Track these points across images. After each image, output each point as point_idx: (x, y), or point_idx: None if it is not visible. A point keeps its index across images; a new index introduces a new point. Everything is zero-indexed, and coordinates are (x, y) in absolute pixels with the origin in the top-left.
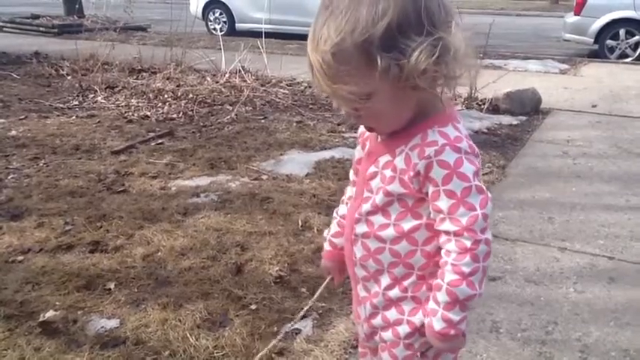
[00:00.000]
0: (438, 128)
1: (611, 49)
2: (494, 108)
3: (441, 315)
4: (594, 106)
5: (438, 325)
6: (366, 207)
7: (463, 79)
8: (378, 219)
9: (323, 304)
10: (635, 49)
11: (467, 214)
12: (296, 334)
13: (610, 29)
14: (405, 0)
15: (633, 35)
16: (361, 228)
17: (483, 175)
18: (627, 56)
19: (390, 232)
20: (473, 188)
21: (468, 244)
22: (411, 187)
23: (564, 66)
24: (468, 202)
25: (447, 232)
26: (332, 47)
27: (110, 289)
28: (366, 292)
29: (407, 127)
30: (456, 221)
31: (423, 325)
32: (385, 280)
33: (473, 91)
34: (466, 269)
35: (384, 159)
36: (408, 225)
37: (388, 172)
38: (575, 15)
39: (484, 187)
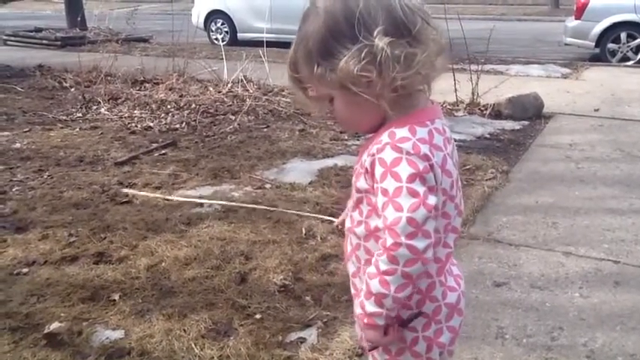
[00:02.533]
0: (393, 129)
1: (613, 53)
2: (497, 113)
3: (360, 301)
4: (596, 110)
5: (357, 309)
6: (350, 203)
7: (416, 84)
8: (356, 215)
9: (327, 313)
10: (636, 52)
11: (392, 214)
12: (301, 342)
13: (611, 33)
14: (336, 13)
15: (634, 38)
16: (347, 223)
17: (487, 180)
18: (629, 59)
19: (361, 229)
20: (404, 189)
21: (388, 243)
22: (369, 183)
23: (566, 70)
24: (397, 202)
25: (381, 229)
26: (289, 59)
27: (115, 300)
28: (354, 288)
29: (378, 128)
30: (384, 219)
31: None
32: (363, 277)
33: (475, 97)
34: (382, 266)
35: (362, 157)
36: (373, 223)
37: (357, 169)
38: (575, 19)
39: (421, 193)
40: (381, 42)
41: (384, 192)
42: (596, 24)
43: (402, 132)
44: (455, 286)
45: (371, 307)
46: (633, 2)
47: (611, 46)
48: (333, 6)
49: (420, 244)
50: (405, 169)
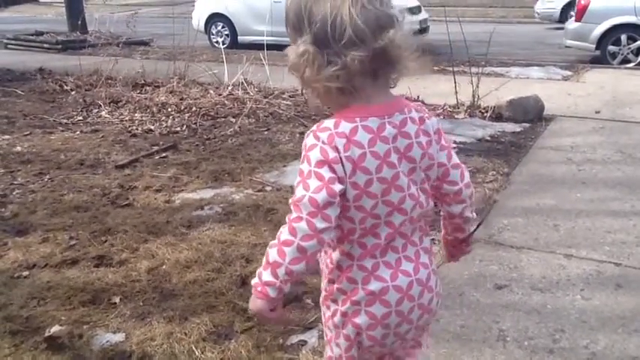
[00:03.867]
0: (325, 119)
1: (613, 55)
2: (498, 116)
3: (258, 272)
4: (597, 112)
5: (254, 280)
6: None
7: (333, 89)
8: None
9: None
10: (637, 55)
11: (300, 192)
12: (302, 345)
13: (611, 35)
14: (289, 12)
15: (635, 40)
16: None
17: (487, 182)
18: (629, 61)
19: None
20: (312, 172)
21: (291, 216)
22: None
23: (566, 72)
24: (306, 182)
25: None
26: None
27: (115, 303)
28: None
29: None
30: (294, 195)
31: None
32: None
33: (475, 99)
34: (282, 237)
35: None
36: None
37: None
38: (576, 21)
39: (326, 178)
40: (303, 47)
41: (300, 172)
42: (596, 26)
43: (327, 123)
44: (385, 277)
45: (267, 277)
46: (633, 4)
47: (611, 48)
48: (288, 5)
49: (319, 224)
50: (315, 155)
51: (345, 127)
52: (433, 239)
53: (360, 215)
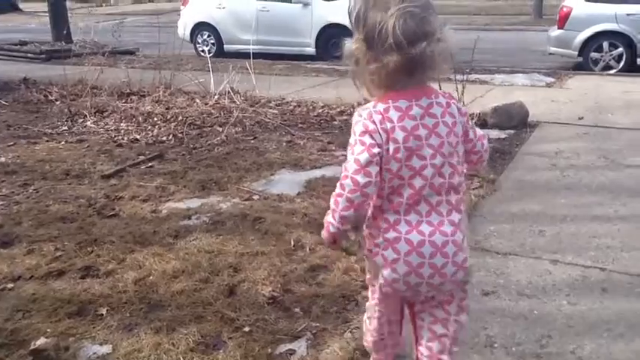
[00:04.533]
0: (368, 102)
1: (596, 62)
2: (483, 122)
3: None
4: (581, 118)
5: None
6: None
7: (376, 81)
8: None
9: (317, 324)
10: (618, 61)
11: (349, 157)
12: (290, 354)
13: (594, 42)
14: (353, 12)
15: (616, 47)
16: None
17: (473, 189)
18: (611, 68)
19: None
20: (357, 141)
21: (342, 175)
22: None
23: (550, 79)
24: (352, 149)
25: None
26: None
27: (102, 314)
28: None
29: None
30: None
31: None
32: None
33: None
34: (336, 190)
35: None
36: None
37: None
38: (558, 29)
39: (367, 144)
40: (357, 43)
41: (349, 144)
42: (578, 33)
43: (368, 104)
44: (401, 230)
45: (329, 218)
46: (614, 12)
47: (593, 55)
48: (351, 4)
49: (361, 179)
50: (359, 128)
51: (380, 107)
52: None
53: (388, 176)
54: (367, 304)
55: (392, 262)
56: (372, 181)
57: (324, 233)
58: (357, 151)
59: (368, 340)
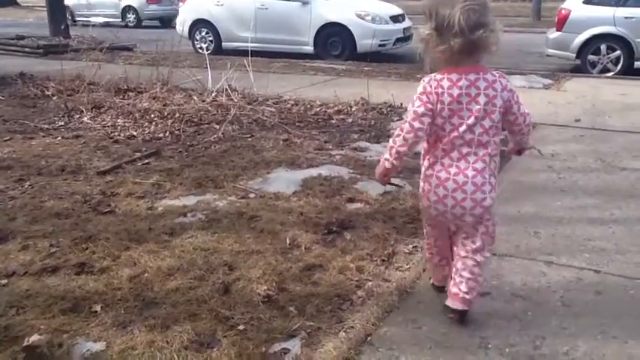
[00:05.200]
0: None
1: (593, 64)
2: None
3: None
4: (577, 121)
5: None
6: None
7: (441, 58)
8: None
9: (311, 323)
10: (616, 64)
11: (409, 109)
12: (285, 353)
13: (591, 44)
14: (426, 7)
15: (614, 50)
16: None
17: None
18: (609, 71)
19: None
20: (417, 98)
21: (390, 141)
22: None
23: (548, 81)
24: (413, 102)
25: None
26: None
27: (96, 311)
28: None
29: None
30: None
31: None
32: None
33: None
34: (396, 132)
35: None
36: None
37: None
38: (557, 31)
39: (424, 100)
40: (429, 30)
41: (412, 100)
42: (576, 36)
43: (431, 74)
44: (436, 169)
45: (386, 155)
46: (612, 15)
47: (591, 57)
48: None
49: (416, 124)
50: (420, 89)
51: (438, 77)
52: (415, 246)
53: (434, 128)
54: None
55: (426, 192)
56: (424, 128)
57: (378, 169)
58: (416, 105)
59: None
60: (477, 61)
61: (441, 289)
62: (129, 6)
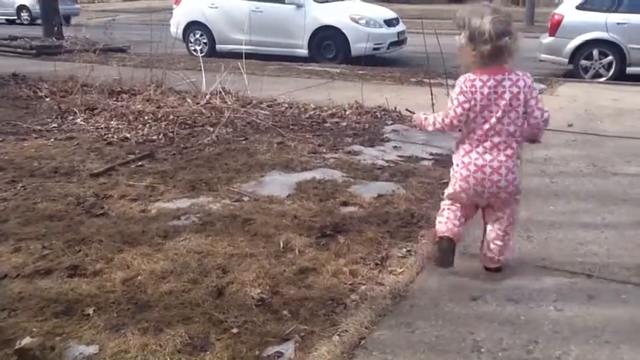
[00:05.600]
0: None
1: (586, 69)
2: None
3: (430, 117)
4: (570, 125)
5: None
6: None
7: (475, 62)
8: None
9: (305, 327)
10: (608, 69)
11: (450, 104)
12: (278, 357)
13: (584, 50)
14: (459, 19)
15: (606, 55)
16: None
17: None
18: (601, 76)
19: None
20: (456, 94)
21: (439, 119)
22: None
23: (540, 86)
24: (452, 99)
25: None
26: None
27: (89, 314)
28: None
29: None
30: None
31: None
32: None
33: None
34: (440, 115)
35: None
36: None
37: None
38: (550, 36)
39: (460, 100)
40: (464, 39)
41: (450, 97)
42: (569, 41)
43: (465, 75)
44: (472, 157)
45: (430, 119)
46: (605, 20)
47: (583, 62)
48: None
49: (458, 110)
50: (457, 88)
51: (471, 77)
52: (409, 250)
53: (469, 121)
54: (441, 203)
55: (465, 177)
56: (462, 120)
57: (418, 119)
58: (455, 102)
59: (437, 227)
60: (503, 63)
61: (450, 241)
62: (22, 5)
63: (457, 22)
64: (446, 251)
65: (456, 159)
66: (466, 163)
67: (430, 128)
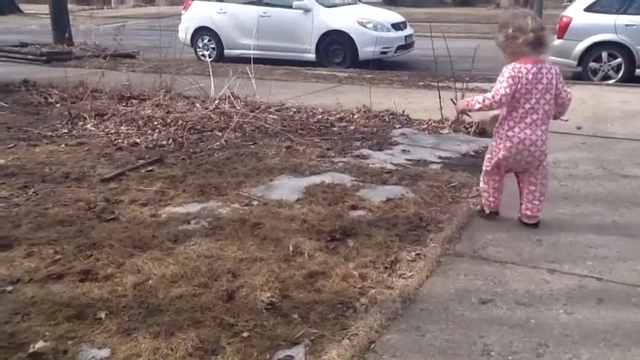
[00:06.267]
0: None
1: (595, 72)
2: (482, 131)
3: (476, 99)
4: (579, 128)
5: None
6: None
7: (517, 52)
8: None
9: (315, 330)
10: (617, 71)
11: (497, 85)
12: None
13: (593, 52)
14: (503, 20)
15: (615, 58)
16: None
17: (471, 197)
18: (610, 78)
19: None
20: (504, 78)
21: (488, 95)
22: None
23: None
24: (501, 82)
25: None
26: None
27: (101, 318)
28: None
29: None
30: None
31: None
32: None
33: (460, 115)
34: (487, 95)
35: None
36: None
37: None
38: (558, 38)
39: (509, 84)
40: (503, 35)
41: (499, 80)
42: (577, 43)
43: (512, 64)
44: (515, 130)
45: (478, 99)
46: (614, 22)
47: (592, 65)
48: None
49: (506, 90)
50: (506, 73)
51: (517, 65)
52: (418, 254)
53: (513, 100)
54: (483, 171)
55: (509, 148)
56: (510, 93)
57: (463, 103)
58: (503, 84)
59: (485, 202)
60: (542, 54)
61: (494, 215)
62: None
63: (500, 23)
64: (492, 216)
65: (499, 134)
66: (510, 137)
67: (477, 106)
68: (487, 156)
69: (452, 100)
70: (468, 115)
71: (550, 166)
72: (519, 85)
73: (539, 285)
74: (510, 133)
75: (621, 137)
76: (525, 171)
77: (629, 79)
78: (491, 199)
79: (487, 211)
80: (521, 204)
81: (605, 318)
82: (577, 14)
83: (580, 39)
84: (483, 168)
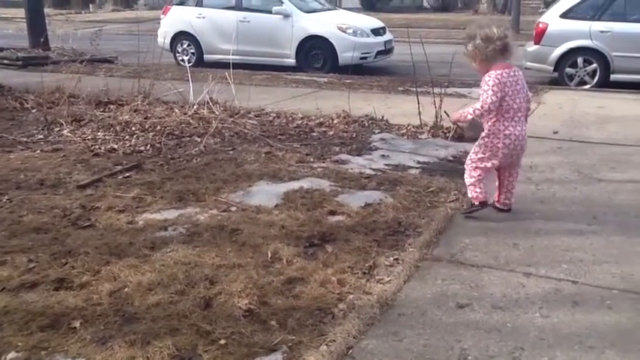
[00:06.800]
0: (492, 70)
1: (571, 77)
2: (459, 136)
3: (467, 110)
4: (555, 133)
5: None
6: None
7: (489, 58)
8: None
9: (293, 337)
10: (593, 77)
11: (484, 95)
12: None
13: (568, 57)
14: (471, 31)
15: (591, 63)
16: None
17: (449, 202)
18: (586, 83)
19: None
20: (491, 86)
21: (477, 105)
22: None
23: None
24: (486, 90)
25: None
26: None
27: (75, 327)
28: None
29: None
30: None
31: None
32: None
33: (438, 120)
34: (477, 105)
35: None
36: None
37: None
38: (535, 44)
39: (494, 92)
40: (472, 46)
41: (484, 89)
42: (554, 49)
43: (490, 72)
44: (510, 130)
45: (470, 111)
46: (589, 29)
47: (568, 70)
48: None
49: (491, 100)
50: (491, 81)
51: (498, 72)
52: (396, 259)
53: (503, 103)
54: (471, 167)
55: (507, 144)
56: (497, 101)
57: (456, 115)
58: (489, 92)
59: (474, 195)
60: (507, 59)
61: (484, 205)
62: None
63: (468, 34)
64: (484, 206)
65: (494, 134)
66: (508, 134)
67: (470, 116)
68: (480, 154)
69: (445, 112)
70: (460, 127)
71: (527, 170)
72: (506, 89)
73: (515, 289)
74: (507, 132)
75: (597, 142)
76: (511, 164)
77: (604, 85)
78: (478, 190)
79: (477, 203)
80: (500, 194)
81: (580, 321)
82: (553, 20)
83: (556, 45)
84: (472, 164)
